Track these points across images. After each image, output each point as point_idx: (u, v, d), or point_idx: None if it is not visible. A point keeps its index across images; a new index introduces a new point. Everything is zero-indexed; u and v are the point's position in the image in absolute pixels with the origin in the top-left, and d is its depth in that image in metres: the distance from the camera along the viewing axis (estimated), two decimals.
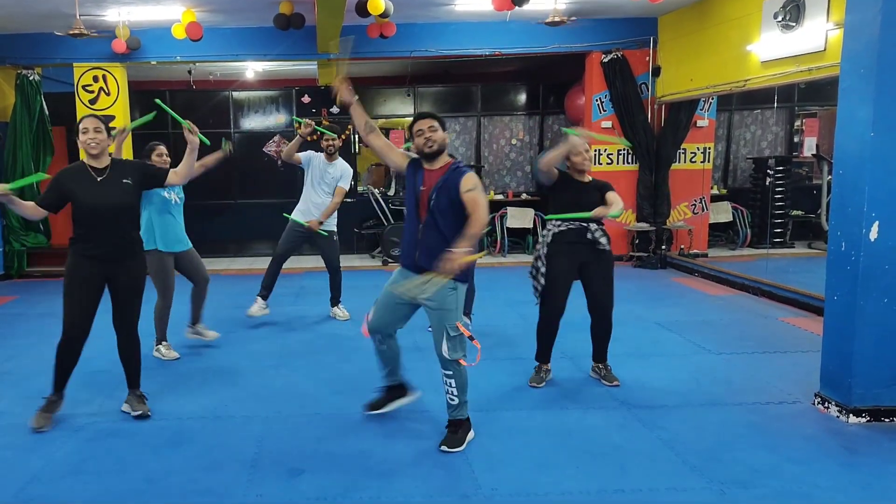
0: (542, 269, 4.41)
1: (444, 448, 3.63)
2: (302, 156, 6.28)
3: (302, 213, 6.34)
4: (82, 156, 3.97)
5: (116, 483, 3.34)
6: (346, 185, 6.36)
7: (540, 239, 4.54)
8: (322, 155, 6.32)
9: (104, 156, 3.92)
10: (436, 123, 3.66)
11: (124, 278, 3.95)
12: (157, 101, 5.04)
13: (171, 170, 4.19)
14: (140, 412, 4.11)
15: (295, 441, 3.79)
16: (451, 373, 3.65)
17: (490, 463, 3.49)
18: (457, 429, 3.71)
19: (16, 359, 5.44)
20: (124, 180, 3.90)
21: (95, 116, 3.96)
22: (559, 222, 4.42)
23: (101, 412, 4.23)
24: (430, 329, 3.93)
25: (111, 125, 5.48)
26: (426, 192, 3.62)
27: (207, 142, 4.24)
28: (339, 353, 5.48)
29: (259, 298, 6.40)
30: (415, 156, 3.78)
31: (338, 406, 4.30)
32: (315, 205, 6.30)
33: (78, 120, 3.99)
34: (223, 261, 10.17)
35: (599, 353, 4.67)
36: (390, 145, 3.90)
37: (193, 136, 4.10)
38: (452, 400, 3.71)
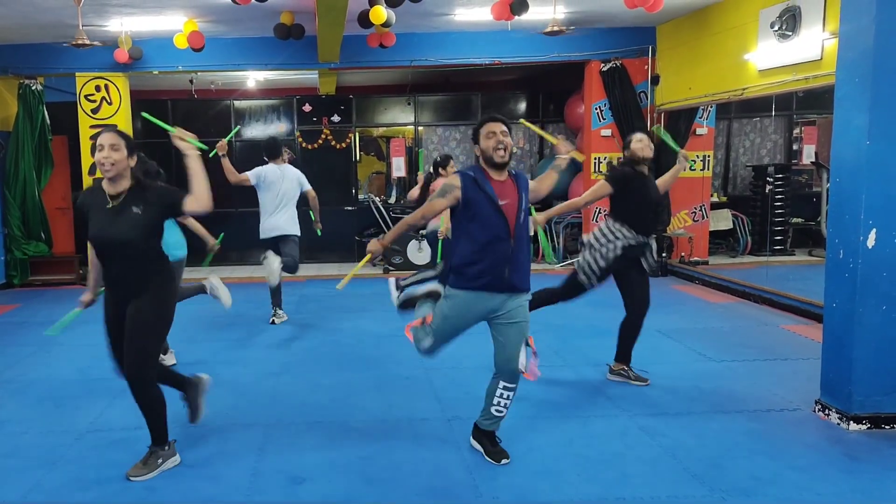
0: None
1: (505, 461, 3.58)
2: (250, 175, 6.45)
3: (277, 228, 6.51)
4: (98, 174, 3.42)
5: (117, 491, 3.35)
6: (309, 184, 6.70)
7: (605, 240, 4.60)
8: (271, 165, 6.51)
9: (122, 180, 3.32)
10: (506, 129, 3.46)
11: (131, 312, 3.39)
12: (144, 114, 4.79)
13: (188, 196, 3.30)
14: (128, 473, 3.48)
15: (296, 449, 3.79)
16: (514, 385, 3.59)
17: (491, 471, 3.49)
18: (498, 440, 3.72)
19: (17, 367, 5.45)
20: (134, 209, 3.30)
21: (115, 131, 3.36)
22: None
23: (103, 420, 4.24)
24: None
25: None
26: (511, 205, 3.41)
27: (204, 147, 3.45)
28: (340, 361, 5.49)
29: (276, 309, 6.77)
30: (451, 175, 3.53)
31: (339, 414, 4.31)
32: (290, 215, 6.53)
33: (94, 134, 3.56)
34: (225, 269, 10.18)
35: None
36: (430, 203, 3.52)
37: (183, 143, 3.32)
38: (501, 412, 3.63)
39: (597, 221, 9.33)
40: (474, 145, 3.53)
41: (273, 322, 6.70)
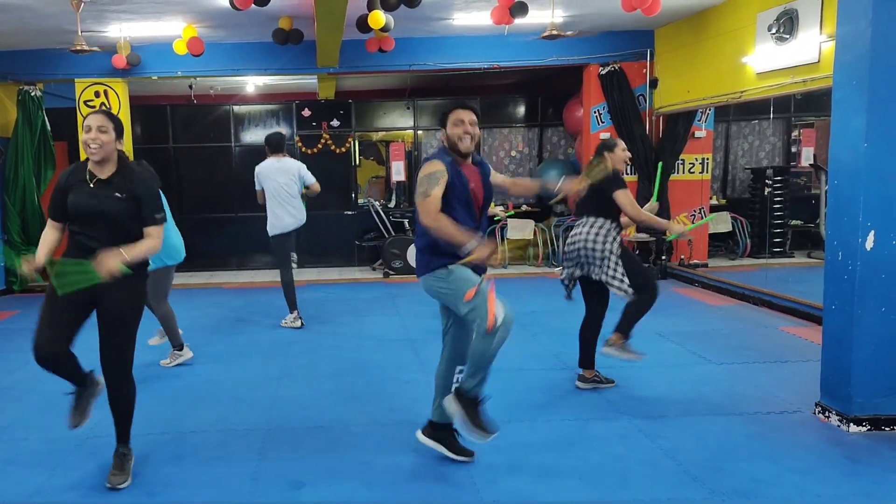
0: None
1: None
2: (256, 183, 6.51)
3: (287, 224, 6.51)
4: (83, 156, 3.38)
5: (118, 496, 3.35)
6: (312, 176, 6.67)
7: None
8: (269, 159, 6.51)
9: (108, 163, 3.30)
10: (475, 118, 3.45)
11: (108, 304, 3.31)
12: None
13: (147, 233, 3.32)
14: (112, 483, 3.41)
15: (296, 454, 3.80)
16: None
17: (491, 475, 3.49)
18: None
19: (17, 373, 5.45)
20: (117, 193, 3.27)
21: (104, 113, 3.32)
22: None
23: (102, 426, 4.23)
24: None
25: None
26: (478, 190, 3.47)
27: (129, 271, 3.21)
28: (340, 365, 5.49)
29: (297, 311, 6.75)
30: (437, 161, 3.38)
31: (339, 418, 4.31)
32: (296, 208, 6.53)
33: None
34: (225, 274, 10.19)
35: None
36: (431, 197, 3.33)
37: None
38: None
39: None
40: (441, 129, 3.53)
41: (302, 325, 6.72)
